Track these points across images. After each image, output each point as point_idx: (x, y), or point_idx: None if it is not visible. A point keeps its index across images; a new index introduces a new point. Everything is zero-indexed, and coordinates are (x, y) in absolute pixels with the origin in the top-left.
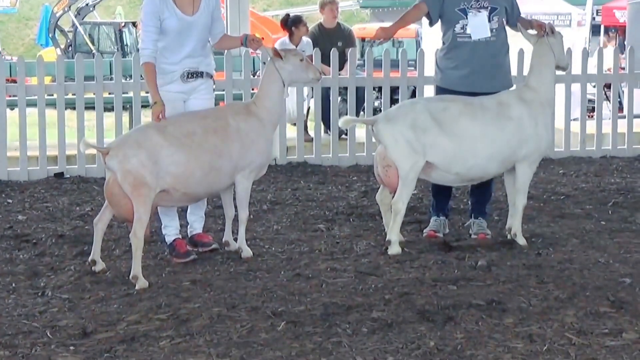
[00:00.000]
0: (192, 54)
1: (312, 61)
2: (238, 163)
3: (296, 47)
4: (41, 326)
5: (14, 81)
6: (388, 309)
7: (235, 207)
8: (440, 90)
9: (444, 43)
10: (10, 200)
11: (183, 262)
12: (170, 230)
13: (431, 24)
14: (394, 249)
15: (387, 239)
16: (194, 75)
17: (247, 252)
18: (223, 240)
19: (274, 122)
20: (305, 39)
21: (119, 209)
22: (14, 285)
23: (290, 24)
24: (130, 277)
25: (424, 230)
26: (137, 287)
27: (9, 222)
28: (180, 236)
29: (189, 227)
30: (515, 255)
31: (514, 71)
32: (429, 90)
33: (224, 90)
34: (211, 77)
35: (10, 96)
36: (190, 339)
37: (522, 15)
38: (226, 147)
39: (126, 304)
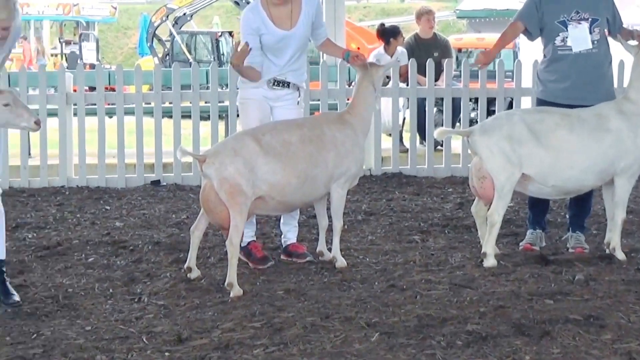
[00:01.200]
0: (286, 65)
1: (407, 72)
2: (333, 172)
3: (391, 57)
4: (137, 331)
5: (113, 89)
6: (483, 322)
7: (330, 217)
8: (541, 103)
9: (545, 56)
10: (108, 207)
11: (261, 268)
12: (247, 233)
13: (531, 39)
14: (490, 262)
15: (482, 252)
16: (280, 84)
17: (341, 262)
18: (317, 250)
19: (366, 131)
20: (400, 49)
21: (215, 216)
22: (111, 290)
23: (389, 34)
24: (226, 284)
25: (520, 243)
26: (231, 295)
27: (106, 229)
28: (255, 238)
29: (282, 237)
30: (614, 270)
31: (615, 83)
32: (527, 102)
33: (319, 100)
34: (298, 88)
35: (108, 104)
36: (284, 347)
37: (624, 25)
38: (322, 156)
39: (221, 311)
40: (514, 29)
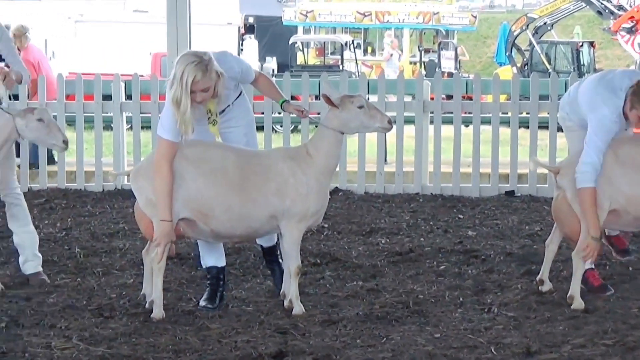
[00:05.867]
0: None
1: None
2: None
3: None
4: (486, 342)
5: (470, 98)
6: None
7: None
8: None
9: None
10: (461, 216)
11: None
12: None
13: None
14: None
15: None
16: None
17: None
18: None
19: None
20: None
21: (565, 228)
22: (461, 299)
23: None
24: (567, 296)
25: None
26: (572, 307)
27: (459, 237)
28: (592, 266)
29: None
30: None
31: None
32: None
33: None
34: None
35: (465, 113)
36: None
37: None
38: None
39: (572, 326)
40: None
